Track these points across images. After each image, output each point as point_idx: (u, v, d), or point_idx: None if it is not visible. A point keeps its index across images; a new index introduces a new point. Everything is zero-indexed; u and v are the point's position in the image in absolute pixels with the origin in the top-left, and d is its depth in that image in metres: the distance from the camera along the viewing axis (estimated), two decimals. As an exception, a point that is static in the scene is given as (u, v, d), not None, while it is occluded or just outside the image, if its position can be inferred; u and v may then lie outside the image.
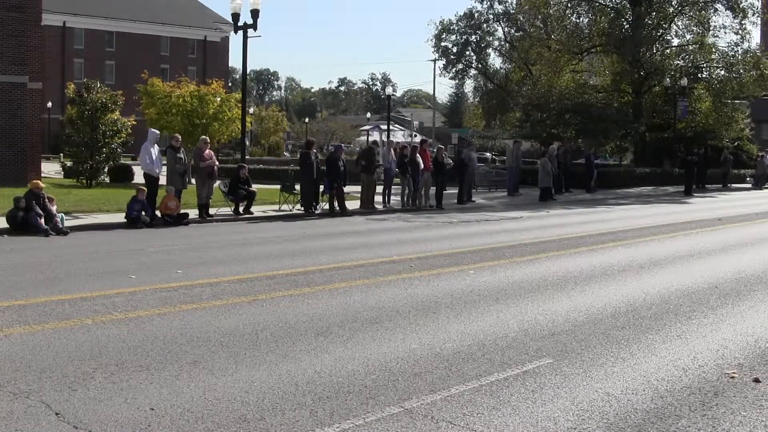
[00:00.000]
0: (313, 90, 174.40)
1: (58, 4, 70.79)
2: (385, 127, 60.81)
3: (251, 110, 69.97)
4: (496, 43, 57.66)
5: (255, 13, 23.63)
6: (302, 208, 22.56)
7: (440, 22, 55.60)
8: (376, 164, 24.64)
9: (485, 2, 55.20)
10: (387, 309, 9.12)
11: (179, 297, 9.67)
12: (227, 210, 21.52)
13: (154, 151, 19.85)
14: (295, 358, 6.98)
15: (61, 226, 16.64)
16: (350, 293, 10.12)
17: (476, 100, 67.22)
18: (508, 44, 56.96)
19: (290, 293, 10.05)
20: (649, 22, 44.59)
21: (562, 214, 24.12)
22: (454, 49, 56.30)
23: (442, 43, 56.16)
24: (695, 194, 35.91)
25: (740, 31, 44.75)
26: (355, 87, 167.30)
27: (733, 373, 6.70)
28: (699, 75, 45.60)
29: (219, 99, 35.92)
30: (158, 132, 21.16)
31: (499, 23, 56.65)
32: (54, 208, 17.07)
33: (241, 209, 21.39)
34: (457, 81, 73.68)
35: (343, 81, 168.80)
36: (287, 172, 26.77)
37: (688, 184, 36.14)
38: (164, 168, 20.26)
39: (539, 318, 8.74)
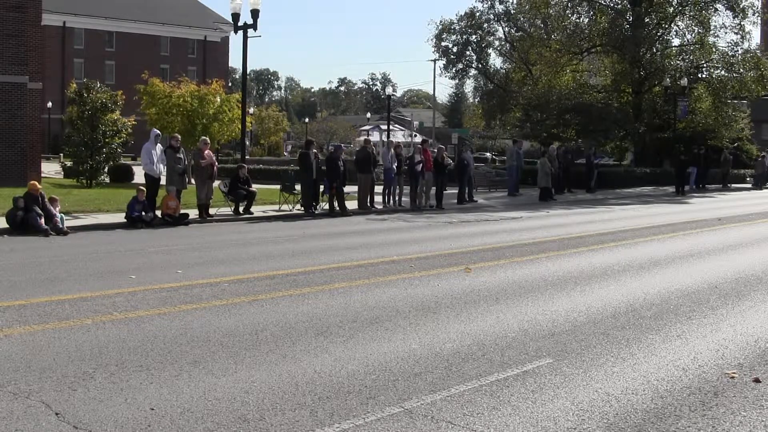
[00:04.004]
0: (313, 90, 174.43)
1: (58, 4, 70.75)
2: (385, 127, 60.77)
3: (251, 110, 69.97)
4: (497, 43, 57.76)
5: (255, 13, 23.64)
6: (302, 208, 22.56)
7: (440, 21, 55.75)
8: (374, 164, 24.63)
9: (486, 2, 55.30)
10: (387, 309, 9.12)
11: (179, 297, 9.67)
12: (227, 210, 21.52)
13: (156, 151, 19.86)
14: (295, 358, 6.98)
15: (61, 226, 16.64)
16: (350, 293, 10.12)
17: (476, 100, 67.34)
18: (509, 44, 57.01)
19: (290, 293, 10.06)
20: (649, 22, 44.61)
21: (562, 214, 24.11)
22: (455, 49, 56.35)
23: (443, 43, 56.23)
24: (695, 194, 35.92)
25: (740, 31, 44.80)
26: (355, 87, 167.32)
27: (733, 373, 6.71)
28: (699, 75, 45.62)
29: (219, 99, 35.92)
30: (159, 131, 21.14)
31: (500, 23, 56.72)
32: (57, 209, 17.08)
33: (241, 209, 21.39)
34: (457, 81, 73.89)
35: (343, 81, 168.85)
36: (287, 172, 26.78)
37: (678, 184, 36.07)
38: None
39: (539, 318, 8.74)
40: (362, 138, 46.04)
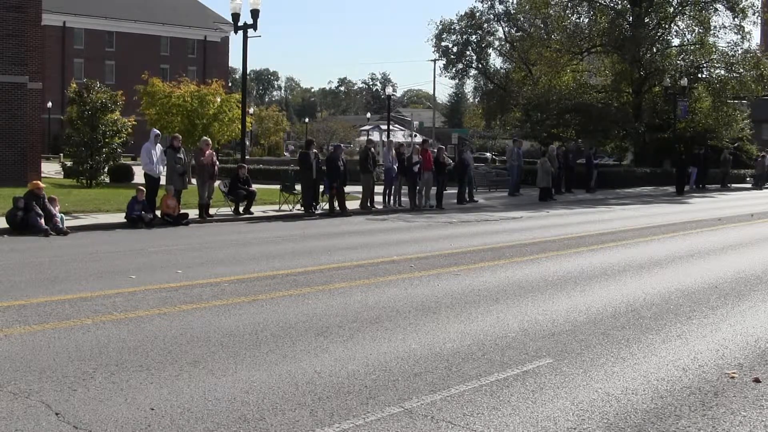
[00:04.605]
0: (313, 90, 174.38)
1: (58, 4, 70.77)
2: (385, 127, 60.77)
3: (251, 110, 69.97)
4: (497, 43, 57.75)
5: (255, 13, 23.63)
6: (302, 208, 22.56)
7: (440, 21, 55.77)
8: (373, 164, 24.67)
9: (486, 2, 55.30)
10: (387, 309, 9.12)
11: (179, 297, 9.67)
12: (227, 210, 21.52)
13: (156, 151, 19.86)
14: (295, 358, 6.98)
15: (61, 226, 16.64)
16: (350, 293, 10.12)
17: (476, 100, 67.33)
18: (509, 44, 56.99)
19: (290, 293, 10.05)
20: (649, 22, 44.62)
21: (562, 214, 24.11)
22: (455, 49, 56.35)
23: (443, 43, 56.23)
24: (695, 194, 35.93)
25: (740, 31, 44.79)
26: (355, 87, 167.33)
27: (733, 373, 6.71)
28: (699, 75, 45.60)
29: (219, 99, 35.92)
30: (158, 131, 21.13)
31: (500, 23, 56.72)
32: (57, 209, 17.08)
33: (241, 209, 21.39)
34: (457, 81, 73.83)
35: (343, 81, 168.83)
36: (287, 172, 26.77)
37: (678, 184, 36.15)
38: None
39: (539, 318, 8.74)
40: (362, 138, 46.04)
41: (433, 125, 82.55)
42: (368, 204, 24.08)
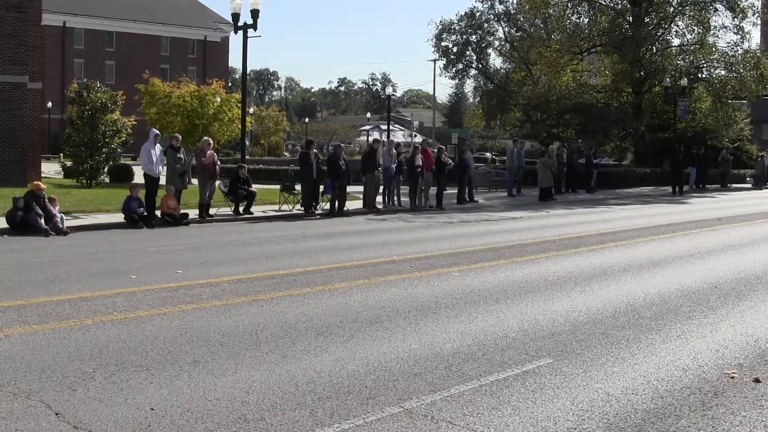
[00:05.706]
0: (313, 90, 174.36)
1: (58, 4, 70.76)
2: (385, 127, 60.79)
3: (251, 110, 69.94)
4: (497, 43, 57.70)
5: (255, 13, 23.64)
6: (302, 208, 22.57)
7: (440, 21, 55.72)
8: (378, 164, 24.72)
9: (486, 2, 55.28)
10: (387, 309, 9.12)
11: (179, 297, 9.67)
12: (227, 210, 21.52)
13: (156, 151, 19.85)
14: (295, 358, 6.98)
15: (61, 226, 16.65)
16: (350, 293, 10.12)
17: (476, 100, 67.22)
18: (509, 44, 56.98)
19: (290, 293, 10.05)
20: (649, 21, 44.62)
21: (562, 215, 24.11)
22: (455, 49, 56.30)
23: (443, 43, 56.18)
24: (694, 194, 35.92)
25: (740, 31, 44.81)
26: (355, 87, 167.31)
27: (733, 373, 6.70)
28: (699, 75, 45.61)
29: (219, 99, 35.92)
30: (158, 132, 21.12)
31: (500, 23, 56.70)
32: (57, 209, 17.09)
33: (241, 209, 21.40)
34: (457, 81, 73.73)
35: (343, 81, 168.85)
36: (287, 172, 26.78)
37: (674, 185, 36.13)
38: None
39: (539, 318, 8.74)
40: (362, 138, 46.03)
41: (433, 125, 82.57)
42: (373, 203, 24.03)
